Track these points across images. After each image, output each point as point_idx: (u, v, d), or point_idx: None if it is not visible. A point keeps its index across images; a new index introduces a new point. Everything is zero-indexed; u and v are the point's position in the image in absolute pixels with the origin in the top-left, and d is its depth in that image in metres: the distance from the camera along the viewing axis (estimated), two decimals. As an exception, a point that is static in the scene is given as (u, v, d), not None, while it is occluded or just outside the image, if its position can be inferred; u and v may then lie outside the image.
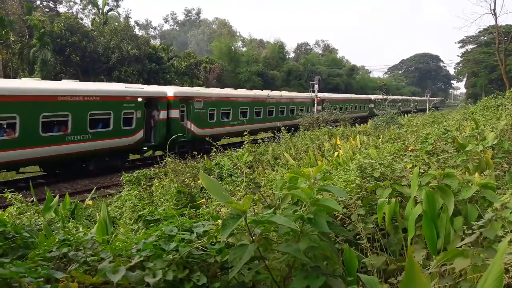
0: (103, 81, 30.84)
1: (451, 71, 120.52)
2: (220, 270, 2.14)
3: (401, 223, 3.09)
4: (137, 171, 8.89)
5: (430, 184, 3.02)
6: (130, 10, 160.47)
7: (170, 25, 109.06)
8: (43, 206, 5.20)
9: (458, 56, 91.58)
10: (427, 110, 51.87)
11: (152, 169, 9.45)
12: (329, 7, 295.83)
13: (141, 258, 2.03)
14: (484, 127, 6.91)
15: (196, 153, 10.99)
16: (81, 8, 68.28)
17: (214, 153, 10.85)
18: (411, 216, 2.85)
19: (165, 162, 8.89)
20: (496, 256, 1.43)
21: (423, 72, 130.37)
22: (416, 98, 70.64)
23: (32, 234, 2.59)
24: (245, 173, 3.66)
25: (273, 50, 65.57)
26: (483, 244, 2.20)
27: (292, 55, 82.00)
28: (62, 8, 62.62)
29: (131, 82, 33.20)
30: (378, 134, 13.63)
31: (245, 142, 10.38)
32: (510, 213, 2.35)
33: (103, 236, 2.98)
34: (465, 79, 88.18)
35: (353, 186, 3.67)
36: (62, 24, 37.52)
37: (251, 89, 34.17)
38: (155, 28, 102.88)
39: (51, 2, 61.28)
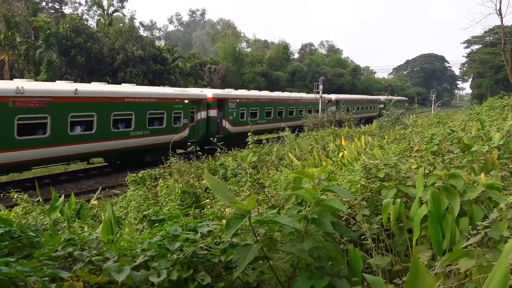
0: (107, 81, 30.58)
1: (457, 72, 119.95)
2: (225, 270, 2.14)
3: (406, 223, 3.08)
4: (142, 172, 8.95)
5: (436, 185, 3.00)
6: (135, 11, 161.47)
7: (175, 26, 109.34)
8: (48, 206, 5.23)
9: (464, 56, 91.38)
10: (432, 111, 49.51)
11: (157, 169, 9.50)
12: (334, 8, 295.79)
13: (146, 258, 2.04)
14: (490, 127, 6.86)
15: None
16: (86, 10, 68.83)
17: (219, 154, 10.85)
18: (416, 217, 2.83)
19: (170, 163, 8.91)
20: (501, 257, 1.41)
21: (428, 73, 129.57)
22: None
23: (38, 233, 2.61)
24: (250, 173, 3.65)
25: (277, 50, 65.59)
26: (488, 245, 2.18)
27: (296, 55, 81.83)
28: (67, 10, 63.24)
29: (136, 83, 33.15)
30: (383, 134, 13.58)
31: (249, 143, 10.38)
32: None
33: (108, 236, 2.99)
34: (470, 79, 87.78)
35: (357, 187, 3.66)
36: (68, 25, 37.70)
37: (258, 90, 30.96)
38: (159, 29, 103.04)
39: (57, 3, 61.82)
